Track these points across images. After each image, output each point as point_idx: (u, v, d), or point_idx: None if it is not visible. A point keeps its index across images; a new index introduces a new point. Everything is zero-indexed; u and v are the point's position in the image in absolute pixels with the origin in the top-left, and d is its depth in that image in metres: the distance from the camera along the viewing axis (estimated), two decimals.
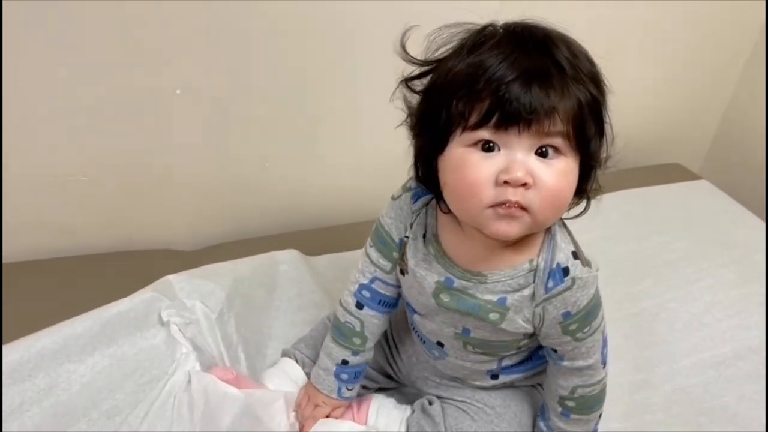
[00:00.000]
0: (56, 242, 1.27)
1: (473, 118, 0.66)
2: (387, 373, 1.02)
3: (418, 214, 0.82)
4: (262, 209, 1.41)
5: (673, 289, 1.25)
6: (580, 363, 0.81)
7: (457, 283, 0.79)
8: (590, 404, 0.85)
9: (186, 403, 0.93)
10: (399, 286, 0.88)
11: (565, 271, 0.75)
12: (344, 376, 0.92)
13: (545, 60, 0.65)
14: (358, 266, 0.89)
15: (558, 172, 0.67)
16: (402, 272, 0.85)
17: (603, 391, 0.85)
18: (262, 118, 1.28)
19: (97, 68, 1.11)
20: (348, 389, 0.93)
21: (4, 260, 1.22)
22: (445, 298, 0.80)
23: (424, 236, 0.82)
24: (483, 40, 0.68)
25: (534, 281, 0.76)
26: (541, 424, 0.90)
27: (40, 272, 1.19)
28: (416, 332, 0.92)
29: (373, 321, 0.90)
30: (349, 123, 1.36)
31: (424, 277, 0.81)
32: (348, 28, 1.22)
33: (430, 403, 0.94)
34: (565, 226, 0.80)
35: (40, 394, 0.87)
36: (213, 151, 1.29)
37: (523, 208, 0.67)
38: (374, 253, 0.87)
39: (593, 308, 0.78)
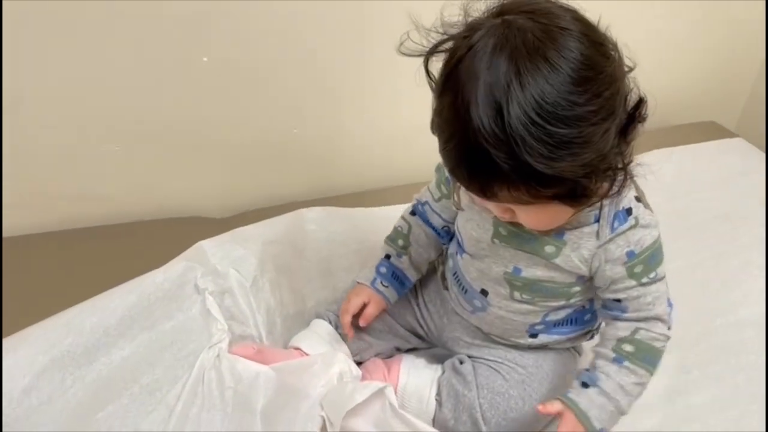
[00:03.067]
0: (88, 211, 1.28)
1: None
2: (417, 333, 1.02)
3: None
4: (291, 176, 1.41)
5: (709, 247, 1.23)
6: (644, 314, 0.80)
7: None
8: (649, 355, 0.80)
9: (215, 381, 0.91)
10: (444, 219, 0.95)
11: (629, 211, 0.78)
12: (383, 270, 0.97)
13: (485, 151, 0.62)
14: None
15: (536, 213, 0.71)
16: (457, 208, 0.88)
17: (662, 351, 0.81)
18: (289, 85, 1.27)
19: (126, 37, 1.11)
20: (383, 285, 0.96)
21: (39, 230, 1.24)
22: (503, 231, 0.82)
23: None
24: (461, 67, 0.65)
25: (597, 221, 0.78)
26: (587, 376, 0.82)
27: (74, 241, 1.21)
28: (459, 281, 0.93)
29: (419, 232, 0.97)
30: (378, 89, 1.35)
31: (480, 212, 0.83)
32: None
33: (461, 362, 0.94)
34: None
35: (81, 369, 0.85)
36: (242, 119, 1.29)
37: None
38: (435, 179, 0.94)
39: (657, 251, 0.79)
